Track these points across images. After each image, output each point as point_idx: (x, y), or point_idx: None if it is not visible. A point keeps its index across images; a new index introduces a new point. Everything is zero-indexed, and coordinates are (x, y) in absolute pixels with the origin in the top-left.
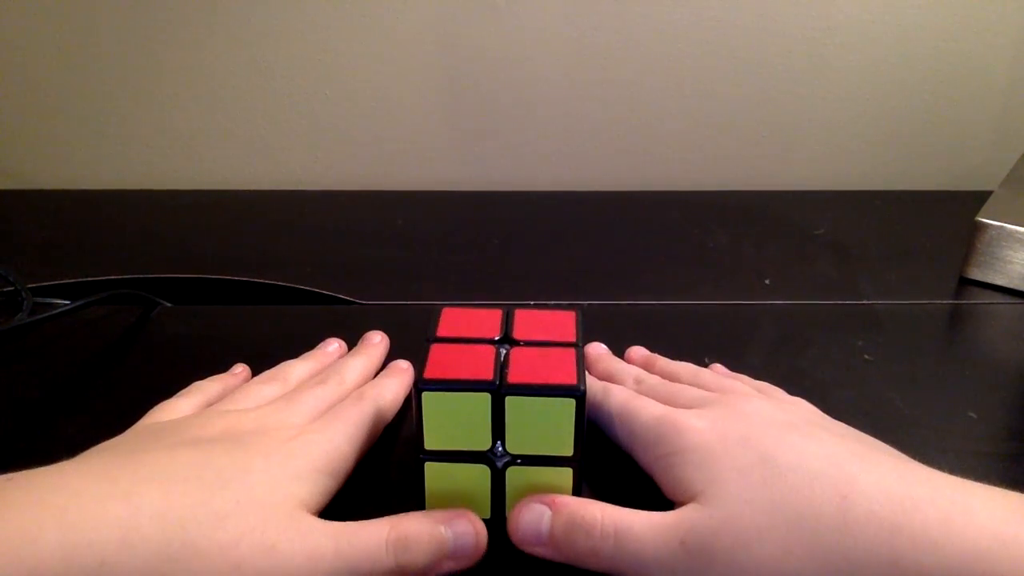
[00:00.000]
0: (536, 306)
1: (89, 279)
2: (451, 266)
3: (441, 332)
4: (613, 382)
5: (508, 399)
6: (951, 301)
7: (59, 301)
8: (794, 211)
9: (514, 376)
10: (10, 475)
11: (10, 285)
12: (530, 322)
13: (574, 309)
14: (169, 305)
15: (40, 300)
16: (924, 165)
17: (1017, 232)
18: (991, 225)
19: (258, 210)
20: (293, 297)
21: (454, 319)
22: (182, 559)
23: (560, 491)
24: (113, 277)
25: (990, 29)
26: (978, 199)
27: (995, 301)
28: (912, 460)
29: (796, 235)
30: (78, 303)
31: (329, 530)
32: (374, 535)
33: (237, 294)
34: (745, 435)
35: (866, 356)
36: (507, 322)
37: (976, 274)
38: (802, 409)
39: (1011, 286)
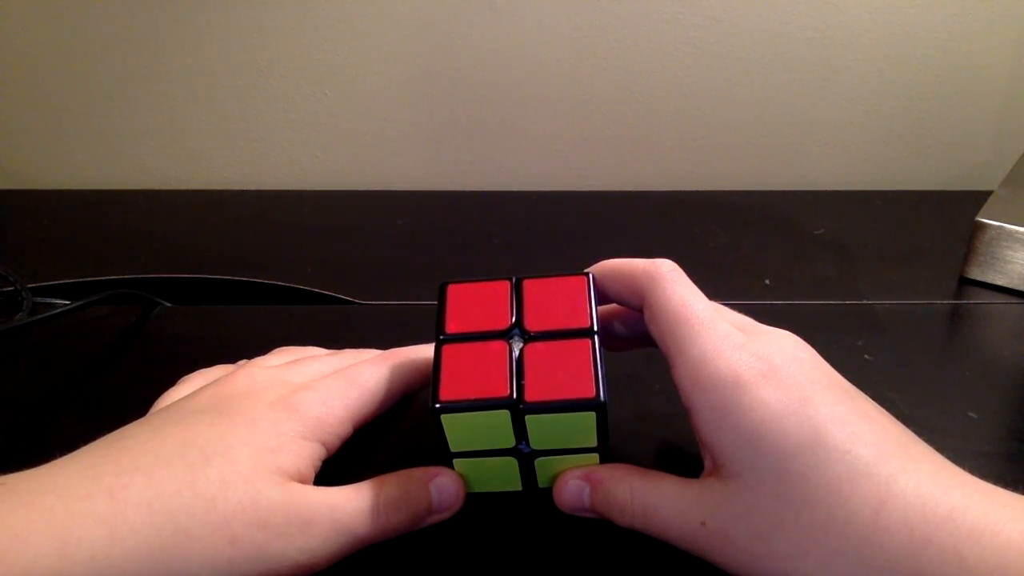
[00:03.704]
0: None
1: (89, 279)
2: (451, 266)
3: (450, 324)
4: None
5: (528, 417)
6: (951, 301)
7: (59, 301)
8: (794, 211)
9: (532, 391)
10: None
11: (10, 285)
12: (541, 299)
13: (584, 274)
14: (169, 305)
15: (40, 300)
16: (924, 165)
17: (1017, 232)
18: (991, 225)
19: (258, 210)
20: (293, 297)
21: (461, 301)
22: (173, 545)
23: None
24: (113, 277)
25: (990, 29)
26: (978, 199)
27: (995, 301)
28: (932, 449)
29: (796, 235)
30: (78, 303)
31: (321, 497)
32: (366, 499)
33: (237, 294)
34: (806, 396)
35: (866, 356)
36: (517, 301)
37: (976, 274)
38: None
39: (1011, 286)
